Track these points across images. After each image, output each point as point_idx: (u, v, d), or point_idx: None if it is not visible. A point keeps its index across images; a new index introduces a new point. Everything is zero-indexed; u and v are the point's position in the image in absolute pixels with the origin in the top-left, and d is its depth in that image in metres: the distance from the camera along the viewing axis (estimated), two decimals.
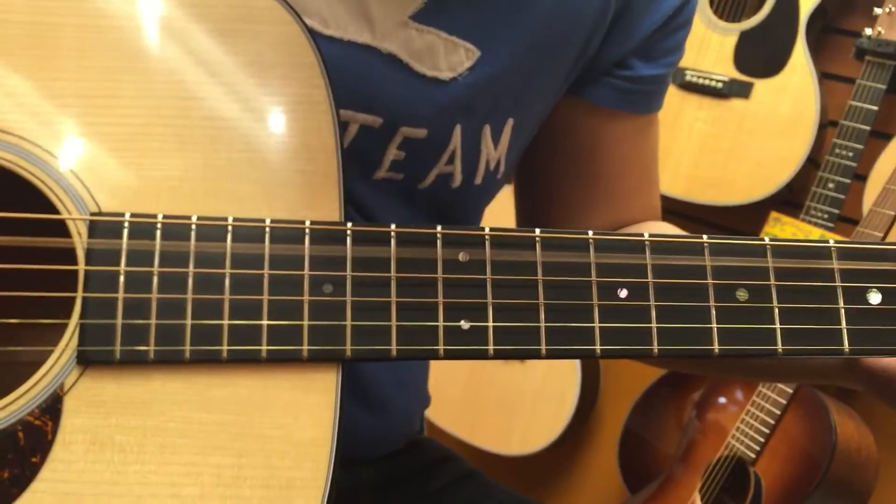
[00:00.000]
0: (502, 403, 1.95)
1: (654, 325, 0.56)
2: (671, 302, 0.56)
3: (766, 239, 0.58)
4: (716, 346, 0.56)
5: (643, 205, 0.85)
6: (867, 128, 1.59)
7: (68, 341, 0.50)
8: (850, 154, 1.59)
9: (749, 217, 1.77)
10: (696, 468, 1.67)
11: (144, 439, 0.50)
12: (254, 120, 0.55)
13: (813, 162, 1.70)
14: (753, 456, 1.58)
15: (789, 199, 1.75)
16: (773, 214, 1.70)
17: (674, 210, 1.81)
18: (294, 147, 0.56)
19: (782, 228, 1.67)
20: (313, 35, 0.56)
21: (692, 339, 0.56)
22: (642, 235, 0.57)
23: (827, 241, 0.59)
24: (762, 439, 1.58)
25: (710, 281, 0.56)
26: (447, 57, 0.67)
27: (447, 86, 0.68)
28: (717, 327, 0.56)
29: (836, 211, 1.61)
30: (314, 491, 0.51)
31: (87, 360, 0.50)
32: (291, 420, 0.52)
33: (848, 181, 1.60)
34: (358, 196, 0.68)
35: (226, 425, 0.51)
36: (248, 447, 0.51)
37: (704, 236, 0.58)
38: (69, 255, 0.52)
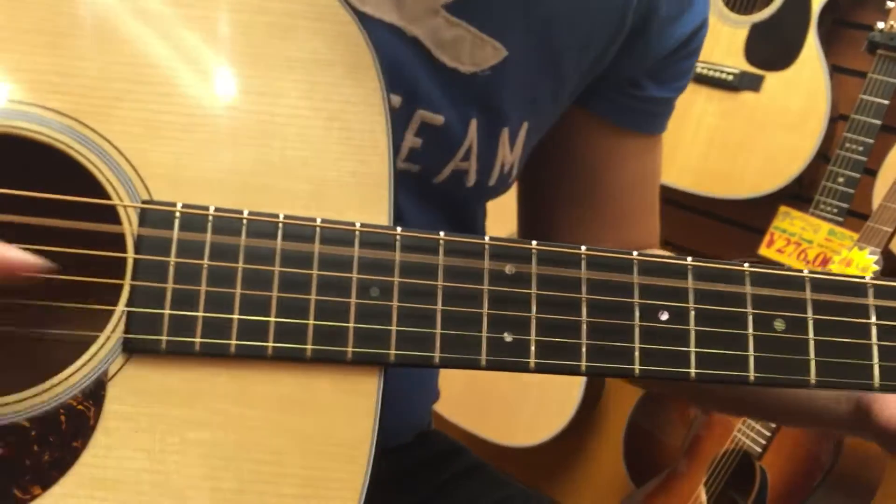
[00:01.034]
0: (508, 395, 1.95)
1: (692, 349, 0.56)
2: (710, 328, 0.56)
3: (806, 271, 0.59)
4: (751, 374, 0.56)
5: (641, 229, 0.86)
6: (878, 122, 1.58)
7: (114, 328, 0.50)
8: (861, 148, 1.58)
9: (758, 211, 1.77)
10: (702, 462, 1.66)
11: (186, 431, 0.50)
12: (308, 118, 0.55)
13: (823, 156, 1.69)
14: (759, 450, 1.57)
15: (799, 193, 1.74)
16: (783, 208, 1.70)
17: (682, 203, 1.80)
18: (347, 148, 0.56)
19: (791, 222, 1.67)
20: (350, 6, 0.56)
21: (729, 365, 0.57)
22: (686, 259, 0.57)
23: (864, 278, 0.59)
24: (768, 433, 1.57)
25: (749, 310, 0.57)
26: (472, 52, 0.68)
27: (466, 79, 0.68)
28: (754, 355, 0.57)
29: (846, 205, 1.60)
30: (351, 493, 0.51)
31: (133, 349, 0.50)
32: (332, 420, 0.52)
33: (858, 175, 1.59)
34: None
35: (267, 421, 0.51)
36: (287, 445, 0.51)
37: (746, 264, 0.58)
38: (118, 242, 0.52)
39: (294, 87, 0.56)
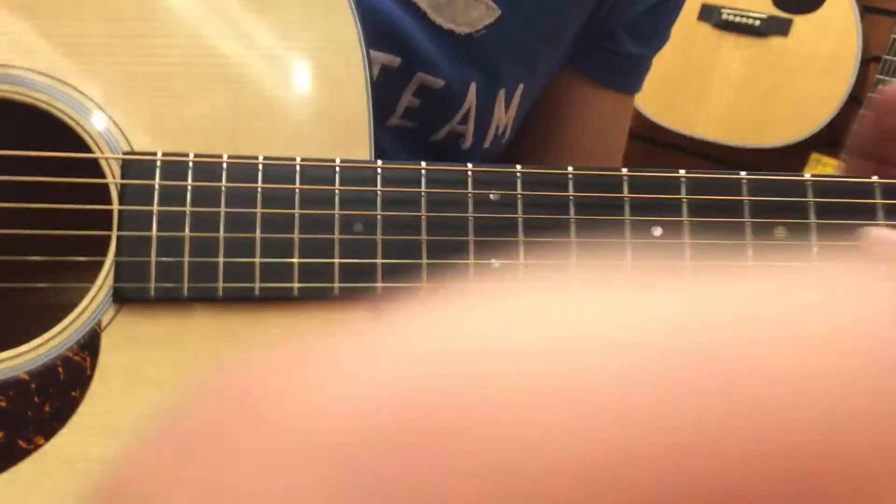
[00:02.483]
0: None
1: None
2: (707, 240, 0.55)
3: (807, 175, 0.57)
4: None
5: None
6: None
7: (104, 279, 0.51)
8: None
9: (789, 159, 1.73)
10: None
11: (179, 376, 0.51)
12: (283, 58, 0.55)
13: (855, 100, 1.64)
14: None
15: (831, 138, 1.70)
16: (814, 156, 1.65)
17: (710, 154, 1.77)
18: (324, 85, 0.55)
19: (824, 170, 1.62)
20: None
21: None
22: (678, 171, 0.56)
23: (870, 177, 0.57)
24: None
25: (747, 219, 0.55)
26: (466, 12, 0.67)
27: (462, 40, 0.67)
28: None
29: None
30: None
31: (124, 298, 0.51)
32: None
33: None
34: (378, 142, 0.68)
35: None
36: None
37: (743, 172, 0.56)
38: (103, 195, 0.52)
39: (268, 29, 0.55)
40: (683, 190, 0.55)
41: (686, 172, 0.56)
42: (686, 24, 1.73)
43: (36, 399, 0.50)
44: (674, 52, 1.72)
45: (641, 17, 0.76)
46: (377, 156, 0.69)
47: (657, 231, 0.55)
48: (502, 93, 0.71)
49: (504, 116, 0.73)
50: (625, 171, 0.55)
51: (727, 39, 1.72)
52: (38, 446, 0.49)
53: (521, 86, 0.73)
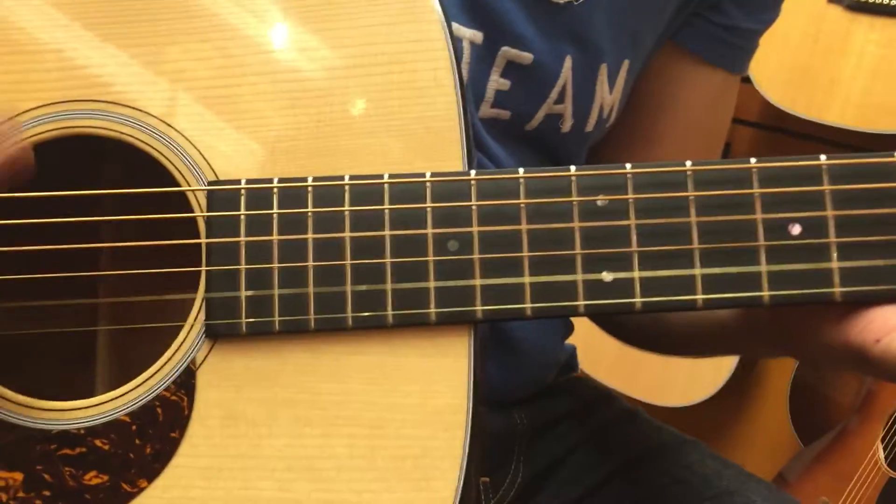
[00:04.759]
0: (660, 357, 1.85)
1: (835, 264, 0.47)
2: (856, 237, 0.47)
3: (823, 157, 0.48)
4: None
5: None
6: None
7: (196, 315, 0.50)
8: None
9: None
10: (877, 417, 1.51)
11: (276, 412, 0.49)
12: (366, 66, 0.51)
13: None
14: None
15: None
16: None
17: (845, 142, 1.62)
18: (411, 92, 0.51)
19: None
20: None
21: (885, 278, 0.47)
22: (818, 158, 0.48)
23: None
24: None
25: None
26: None
27: (560, 10, 0.61)
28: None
29: None
30: (451, 461, 0.48)
31: (216, 334, 0.50)
32: (423, 387, 0.49)
33: None
34: (475, 132, 0.63)
35: (356, 395, 0.49)
36: (380, 417, 0.49)
37: (894, 153, 0.48)
38: (193, 231, 0.51)
39: (349, 36, 0.52)
40: (826, 180, 0.48)
41: (827, 158, 0.48)
42: (815, 7, 1.59)
43: (137, 441, 0.49)
44: (803, 37, 1.61)
45: None
46: (474, 154, 0.64)
47: (796, 229, 0.48)
48: (604, 69, 0.65)
49: (609, 97, 0.66)
50: (753, 161, 0.48)
51: (861, 21, 1.57)
52: (141, 489, 0.49)
53: (626, 62, 0.66)
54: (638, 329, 0.74)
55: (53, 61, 0.52)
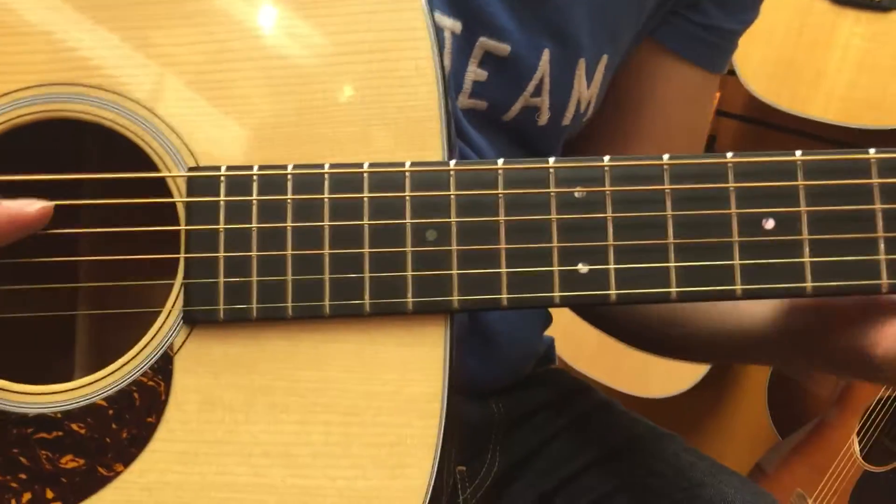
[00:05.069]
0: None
1: (807, 259, 0.48)
2: (829, 233, 0.48)
3: (798, 153, 0.49)
4: (884, 280, 0.48)
5: None
6: None
7: (174, 301, 0.50)
8: None
9: None
10: (854, 411, 1.54)
11: (253, 398, 0.49)
12: (346, 54, 0.52)
13: None
14: None
15: None
16: None
17: (828, 137, 1.63)
18: (392, 81, 0.51)
19: None
20: None
21: (855, 274, 0.48)
22: (794, 154, 0.49)
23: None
24: None
25: (877, 206, 0.48)
26: None
27: (539, 3, 0.61)
28: (886, 259, 0.48)
29: None
30: (425, 449, 0.49)
31: (194, 320, 0.50)
32: (400, 376, 0.49)
33: None
34: (456, 121, 0.63)
35: (333, 382, 0.49)
36: (356, 404, 0.49)
37: (871, 150, 0.49)
38: (172, 217, 0.51)
39: (332, 23, 0.52)
40: (800, 175, 0.48)
41: (803, 154, 0.49)
42: (801, 0, 1.59)
43: (114, 425, 0.49)
44: (787, 30, 1.61)
45: None
46: (455, 143, 0.65)
47: (769, 224, 0.48)
48: (582, 63, 0.65)
49: (586, 92, 0.66)
50: (729, 156, 0.49)
51: (846, 15, 1.58)
52: (117, 473, 0.49)
53: (604, 57, 0.66)
54: (638, 329, 0.75)
55: (41, 44, 0.52)
